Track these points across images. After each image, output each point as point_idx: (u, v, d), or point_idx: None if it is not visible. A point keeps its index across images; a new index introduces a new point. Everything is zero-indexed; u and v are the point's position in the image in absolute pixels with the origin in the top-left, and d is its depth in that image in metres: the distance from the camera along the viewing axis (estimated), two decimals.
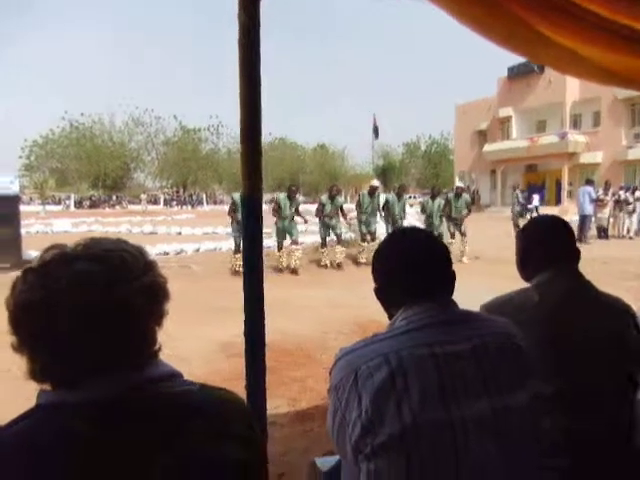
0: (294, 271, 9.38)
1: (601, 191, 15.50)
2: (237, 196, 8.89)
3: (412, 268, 1.16)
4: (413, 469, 0.97)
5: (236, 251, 9.04)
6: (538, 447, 1.08)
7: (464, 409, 1.01)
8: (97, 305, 0.78)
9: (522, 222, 15.92)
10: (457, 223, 11.21)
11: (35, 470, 0.73)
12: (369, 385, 1.01)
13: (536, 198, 26.61)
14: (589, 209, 14.51)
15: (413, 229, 1.30)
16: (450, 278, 1.19)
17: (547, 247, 1.59)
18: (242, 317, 1.40)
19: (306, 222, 10.19)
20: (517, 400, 1.06)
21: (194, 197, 55.17)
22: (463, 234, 11.14)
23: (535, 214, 19.07)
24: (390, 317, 1.20)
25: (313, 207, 11.77)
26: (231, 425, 0.87)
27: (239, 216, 8.51)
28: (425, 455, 0.97)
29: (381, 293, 1.23)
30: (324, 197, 10.23)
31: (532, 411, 1.08)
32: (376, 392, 1.00)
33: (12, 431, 0.77)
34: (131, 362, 0.82)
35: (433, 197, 11.33)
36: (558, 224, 1.64)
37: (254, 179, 1.25)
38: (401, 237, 1.27)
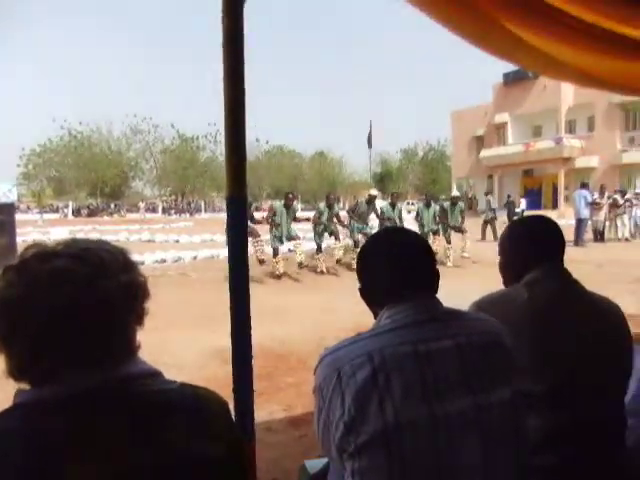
0: (300, 264, 9.54)
1: (597, 195, 15.55)
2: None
3: (395, 267, 1.16)
4: (395, 467, 0.97)
5: None
6: (521, 445, 1.08)
7: (447, 406, 1.01)
8: (76, 302, 0.78)
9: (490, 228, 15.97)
10: (454, 230, 11.25)
11: (12, 469, 0.73)
12: (352, 384, 1.01)
13: (523, 202, 26.61)
14: (585, 212, 14.55)
15: (396, 229, 1.30)
16: (434, 276, 1.19)
17: (532, 247, 1.57)
18: None
19: (308, 220, 10.25)
20: (501, 398, 1.06)
21: (192, 205, 55.19)
22: (463, 232, 11.19)
23: None
24: (375, 316, 1.21)
25: (312, 214, 11.83)
26: (211, 424, 0.87)
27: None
28: (407, 452, 0.97)
29: (366, 292, 1.23)
30: (322, 205, 10.28)
31: (516, 409, 1.08)
32: (359, 391, 1.00)
33: None
34: (110, 359, 0.82)
35: (427, 205, 11.33)
36: (544, 223, 1.63)
37: (238, 180, 1.25)
38: (384, 237, 1.27)
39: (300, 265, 9.56)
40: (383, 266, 1.18)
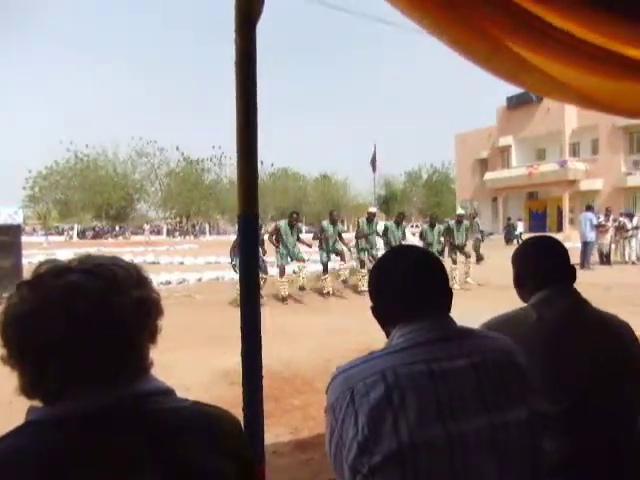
0: (302, 288, 9.50)
1: (602, 217, 15.51)
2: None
3: (408, 285, 1.15)
4: None
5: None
6: (538, 466, 1.06)
7: (462, 425, 0.99)
8: (89, 316, 0.78)
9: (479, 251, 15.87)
10: (459, 250, 11.23)
11: None
12: (365, 403, 0.99)
13: (520, 225, 27.24)
14: (591, 235, 14.49)
15: (408, 247, 1.29)
16: (447, 294, 1.18)
17: (542, 266, 1.59)
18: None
19: (310, 246, 10.06)
20: (516, 417, 1.04)
21: (197, 227, 55.46)
22: (467, 256, 11.15)
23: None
24: (387, 335, 1.19)
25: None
26: (223, 441, 0.86)
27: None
28: (422, 473, 0.95)
29: (378, 311, 1.22)
30: (325, 222, 10.26)
31: (531, 428, 1.06)
32: (372, 410, 0.98)
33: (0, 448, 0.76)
34: (123, 376, 0.81)
35: (432, 225, 11.35)
36: (551, 243, 1.64)
37: (250, 196, 1.25)
38: (396, 255, 1.26)
39: (301, 288, 9.51)
40: (395, 284, 1.17)
